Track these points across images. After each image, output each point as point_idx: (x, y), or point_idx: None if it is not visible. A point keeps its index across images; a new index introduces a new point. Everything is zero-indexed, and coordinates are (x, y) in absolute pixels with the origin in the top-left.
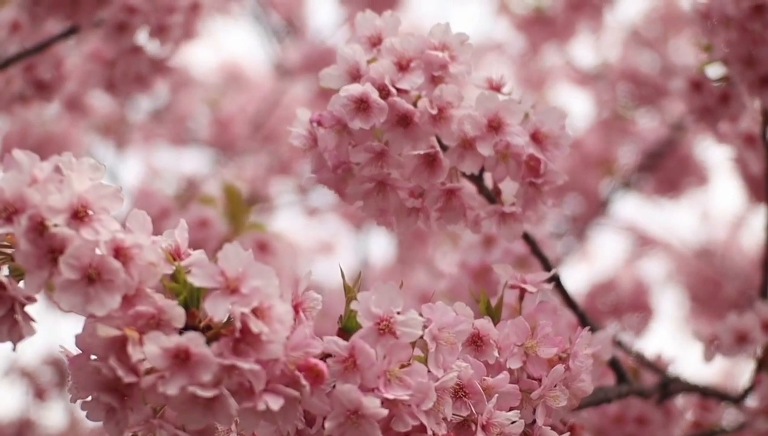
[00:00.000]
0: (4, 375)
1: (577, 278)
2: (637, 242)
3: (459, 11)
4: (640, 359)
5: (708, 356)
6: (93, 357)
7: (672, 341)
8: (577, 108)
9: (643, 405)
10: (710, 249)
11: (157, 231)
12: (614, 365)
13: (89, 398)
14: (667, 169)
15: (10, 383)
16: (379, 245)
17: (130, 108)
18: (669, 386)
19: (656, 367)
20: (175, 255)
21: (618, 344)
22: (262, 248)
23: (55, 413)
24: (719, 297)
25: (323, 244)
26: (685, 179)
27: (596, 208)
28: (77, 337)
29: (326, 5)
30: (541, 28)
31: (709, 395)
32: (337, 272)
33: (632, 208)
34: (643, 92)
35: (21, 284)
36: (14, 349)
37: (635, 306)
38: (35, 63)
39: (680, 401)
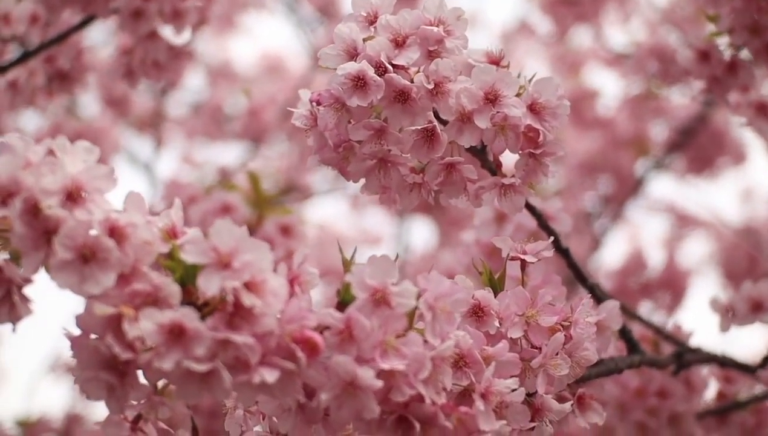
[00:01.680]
0: (50, 371)
1: (616, 258)
2: (676, 223)
3: None
4: (658, 331)
5: (724, 326)
6: (93, 336)
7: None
8: (610, 88)
9: (664, 378)
10: (752, 227)
11: (186, 218)
12: (625, 335)
13: (90, 377)
14: (699, 147)
15: (56, 378)
16: (422, 232)
17: (170, 102)
18: (684, 356)
19: (676, 339)
20: (171, 234)
21: (637, 317)
22: (285, 231)
23: (101, 408)
24: (755, 274)
25: (369, 232)
26: (719, 157)
27: (630, 189)
28: (77, 317)
29: None
30: (569, 9)
31: (727, 365)
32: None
33: (669, 188)
34: (672, 70)
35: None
36: (14, 330)
37: (668, 284)
38: (55, 54)
39: (703, 372)
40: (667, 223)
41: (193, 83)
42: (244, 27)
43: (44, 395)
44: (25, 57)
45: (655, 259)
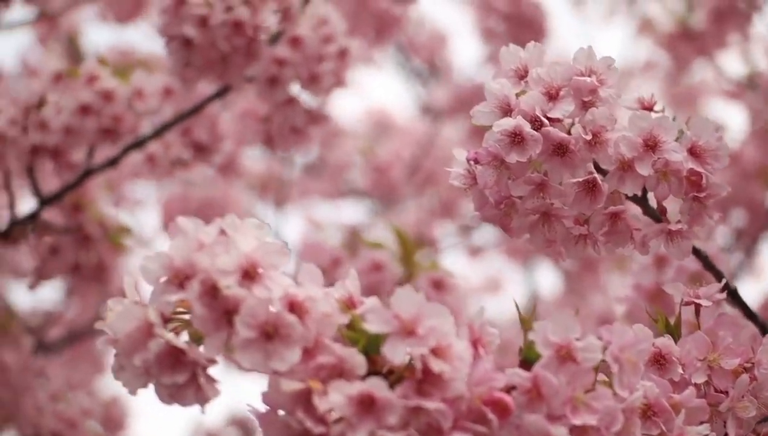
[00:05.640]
0: None
1: (748, 293)
2: None
3: (601, 35)
4: None
5: None
6: (281, 412)
7: None
8: (731, 121)
9: None
10: None
11: (330, 282)
12: None
13: None
14: None
15: None
16: (547, 278)
17: (286, 165)
18: None
19: None
20: (349, 304)
21: None
22: (438, 287)
23: None
24: None
25: (490, 282)
26: None
27: (763, 222)
28: (263, 394)
29: (468, 44)
30: (688, 43)
31: None
32: (507, 308)
33: None
34: None
35: (201, 348)
36: (202, 411)
37: None
38: (191, 126)
39: None
40: None
41: None
42: (352, 83)
43: None
44: (161, 131)
45: None
